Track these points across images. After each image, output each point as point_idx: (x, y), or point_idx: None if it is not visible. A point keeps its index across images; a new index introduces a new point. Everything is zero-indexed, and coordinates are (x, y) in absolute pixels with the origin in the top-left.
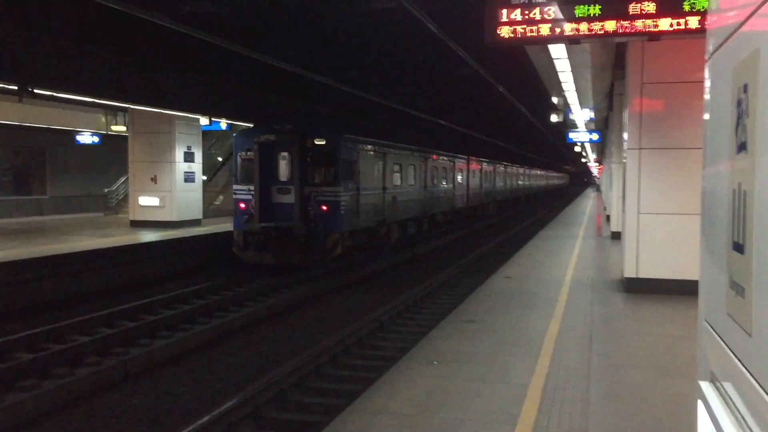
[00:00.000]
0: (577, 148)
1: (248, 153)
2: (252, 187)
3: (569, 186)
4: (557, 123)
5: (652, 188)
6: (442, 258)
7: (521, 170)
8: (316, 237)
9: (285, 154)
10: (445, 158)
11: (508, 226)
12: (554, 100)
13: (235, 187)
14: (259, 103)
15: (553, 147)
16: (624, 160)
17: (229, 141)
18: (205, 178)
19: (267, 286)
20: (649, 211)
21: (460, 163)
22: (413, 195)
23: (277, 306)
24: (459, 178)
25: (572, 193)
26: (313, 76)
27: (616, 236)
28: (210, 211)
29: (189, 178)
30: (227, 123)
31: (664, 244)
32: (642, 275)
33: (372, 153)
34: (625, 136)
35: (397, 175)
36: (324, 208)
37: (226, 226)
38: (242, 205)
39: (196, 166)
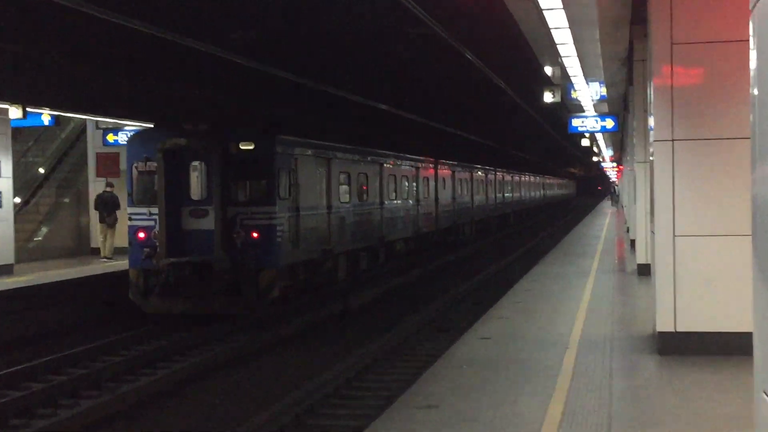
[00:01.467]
0: (585, 141)
1: (148, 164)
2: (154, 210)
3: (576, 197)
4: (553, 104)
5: (693, 198)
6: (393, 309)
7: (510, 177)
8: (245, 275)
9: (199, 164)
10: (404, 163)
11: (489, 259)
12: (548, 71)
13: (129, 210)
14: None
15: (551, 141)
16: (651, 158)
17: (55, 143)
18: (18, 200)
19: (175, 345)
20: (689, 232)
21: (425, 169)
22: (366, 215)
23: (188, 372)
24: (424, 190)
25: (581, 208)
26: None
27: (645, 271)
28: (28, 250)
29: None
30: (52, 116)
31: (713, 281)
32: (682, 328)
33: (313, 159)
34: (651, 122)
35: (345, 188)
36: (255, 235)
37: (59, 273)
38: (141, 235)
39: (3, 183)
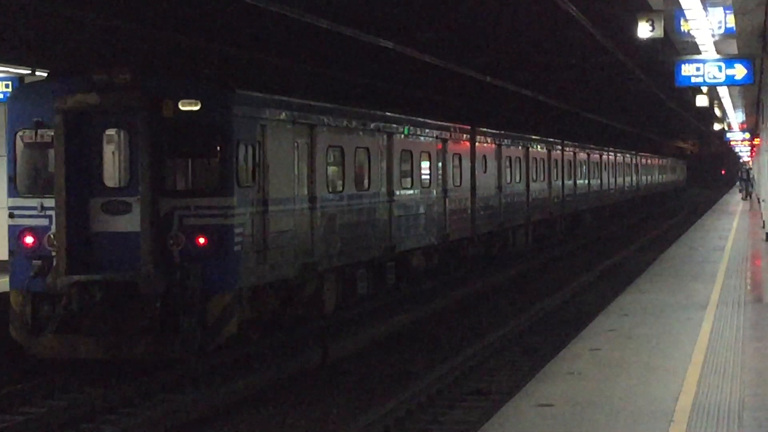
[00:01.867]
0: (702, 100)
1: (40, 132)
2: (48, 203)
3: (688, 185)
4: (652, 42)
5: None
6: (402, 356)
7: (585, 155)
8: (186, 301)
9: (118, 133)
10: (425, 131)
11: (551, 281)
12: None
13: (11, 203)
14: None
15: (648, 101)
16: None
17: None
18: None
19: (79, 410)
20: None
21: (456, 141)
22: (368, 212)
23: None
24: (454, 174)
25: (695, 202)
26: None
27: None
28: None
29: None
30: None
31: None
32: None
33: (290, 126)
34: None
35: (336, 170)
36: (202, 240)
37: None
38: (29, 240)
39: None
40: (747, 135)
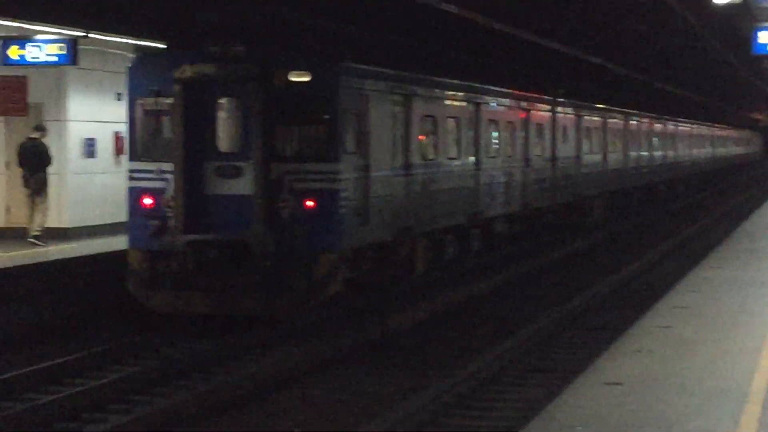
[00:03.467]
0: None
1: (158, 100)
2: (166, 167)
3: (764, 158)
4: (729, 7)
5: None
6: (468, 331)
7: (661, 126)
8: (294, 260)
9: (230, 101)
10: (509, 102)
11: (622, 253)
12: None
13: (129, 165)
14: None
15: (724, 70)
16: None
17: None
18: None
19: (192, 362)
20: None
21: (538, 111)
22: (457, 180)
23: (212, 400)
24: (537, 143)
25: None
26: None
27: None
28: None
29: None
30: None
31: None
32: None
33: (389, 96)
34: None
35: (430, 139)
36: (311, 203)
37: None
38: (147, 201)
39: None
40: None
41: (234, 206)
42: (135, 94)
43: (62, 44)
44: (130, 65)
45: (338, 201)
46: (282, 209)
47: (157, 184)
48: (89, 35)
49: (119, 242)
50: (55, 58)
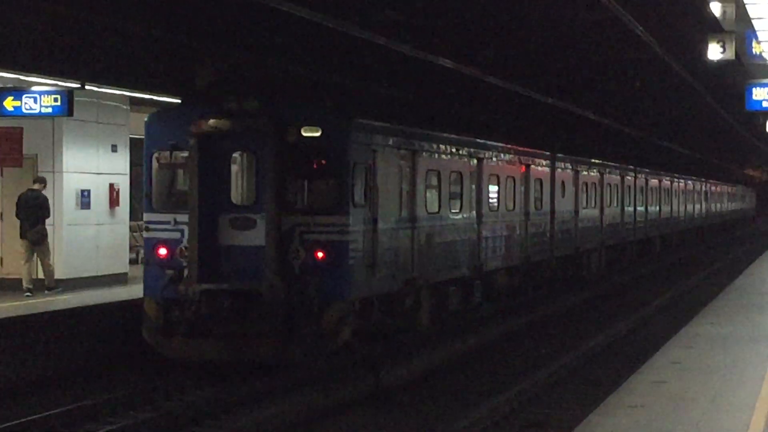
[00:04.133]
0: None
1: (174, 154)
2: (181, 218)
3: (757, 215)
4: (722, 64)
5: None
6: (462, 383)
7: (656, 181)
8: (305, 310)
9: (244, 155)
10: (510, 156)
11: (617, 307)
12: (715, 8)
13: (147, 217)
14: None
15: (717, 125)
16: None
17: None
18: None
19: (202, 407)
20: None
21: (538, 166)
22: (460, 233)
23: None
24: (536, 197)
25: (762, 231)
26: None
27: None
28: None
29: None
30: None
31: None
32: None
33: (395, 151)
34: None
35: (433, 193)
36: (321, 254)
37: None
38: (163, 252)
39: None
40: None
41: (247, 256)
42: (152, 147)
43: (58, 95)
44: (147, 120)
45: (347, 252)
46: (293, 260)
47: (173, 235)
48: (85, 87)
49: (112, 294)
50: (50, 110)
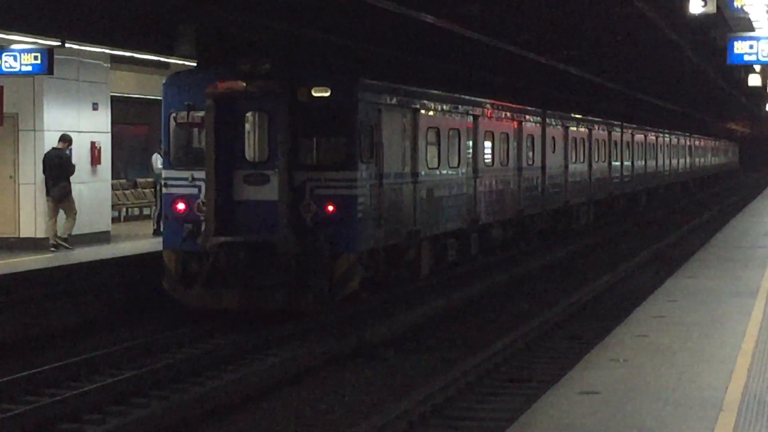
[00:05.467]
0: (755, 80)
1: (191, 114)
2: (198, 174)
3: (740, 169)
4: (704, 18)
5: None
6: (447, 338)
7: (642, 137)
8: (316, 261)
9: (258, 115)
10: (505, 114)
11: (602, 262)
12: None
13: (165, 173)
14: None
15: (699, 79)
16: None
17: None
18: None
19: (222, 353)
20: None
21: (530, 123)
22: (458, 187)
23: (239, 388)
24: (528, 153)
25: (746, 187)
26: None
27: None
28: None
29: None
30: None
31: None
32: None
33: (398, 109)
34: None
35: (433, 149)
36: (331, 208)
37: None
38: (181, 207)
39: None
40: None
41: (261, 211)
42: (170, 108)
43: (38, 54)
44: (164, 81)
45: (356, 206)
46: (305, 213)
47: (190, 191)
48: (65, 45)
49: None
50: (30, 68)
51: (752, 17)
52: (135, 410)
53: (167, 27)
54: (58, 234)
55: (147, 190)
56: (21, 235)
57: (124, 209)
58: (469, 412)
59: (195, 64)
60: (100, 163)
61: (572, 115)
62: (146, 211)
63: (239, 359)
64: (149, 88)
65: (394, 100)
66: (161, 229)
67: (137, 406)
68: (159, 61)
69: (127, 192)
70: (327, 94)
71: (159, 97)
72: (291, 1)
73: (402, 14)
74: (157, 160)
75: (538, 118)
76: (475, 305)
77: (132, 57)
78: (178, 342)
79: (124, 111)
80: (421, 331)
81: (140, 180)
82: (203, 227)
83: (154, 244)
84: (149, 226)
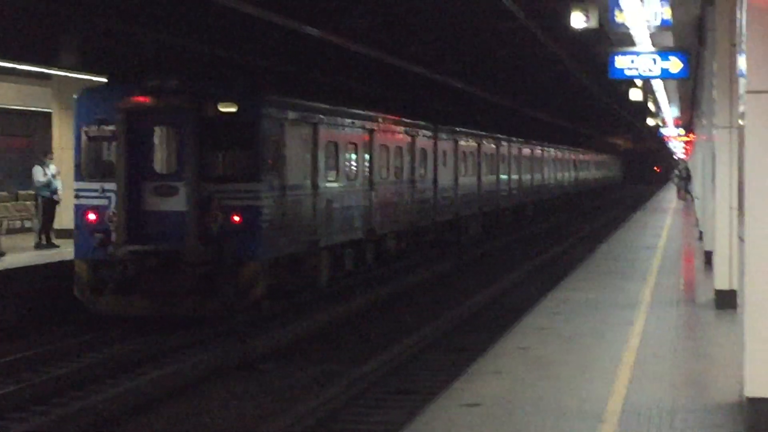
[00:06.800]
0: (636, 94)
1: (102, 127)
2: (108, 186)
3: (623, 182)
4: (586, 33)
5: None
6: (331, 350)
7: (529, 151)
8: (223, 269)
9: (167, 129)
10: (398, 128)
11: (487, 274)
12: None
13: (76, 185)
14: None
15: (581, 94)
16: (741, 121)
17: None
18: None
19: (130, 356)
20: None
21: (422, 138)
22: (355, 199)
23: (125, 401)
24: (421, 167)
25: (629, 199)
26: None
27: (728, 301)
28: None
29: None
30: None
31: None
32: None
33: (300, 124)
34: (742, 63)
35: (332, 161)
36: (237, 218)
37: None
38: (92, 217)
39: None
40: (681, 131)
41: (169, 221)
42: (81, 122)
43: None
44: (76, 96)
45: (260, 216)
46: (212, 223)
47: (101, 202)
48: None
49: None
50: None
51: (633, 33)
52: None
53: (49, 38)
54: None
55: (28, 203)
56: None
57: (5, 222)
58: (353, 425)
59: (77, 76)
60: None
61: (462, 129)
62: (27, 224)
63: (129, 370)
64: (31, 100)
65: (296, 115)
66: (43, 242)
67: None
68: (41, 72)
69: (8, 204)
70: (233, 110)
71: (41, 109)
72: (170, 13)
73: (289, 28)
74: (37, 172)
75: (430, 133)
76: (364, 316)
77: (13, 68)
78: (67, 353)
79: (4, 123)
80: (310, 342)
81: (21, 192)
82: (113, 237)
83: (35, 257)
84: (31, 239)
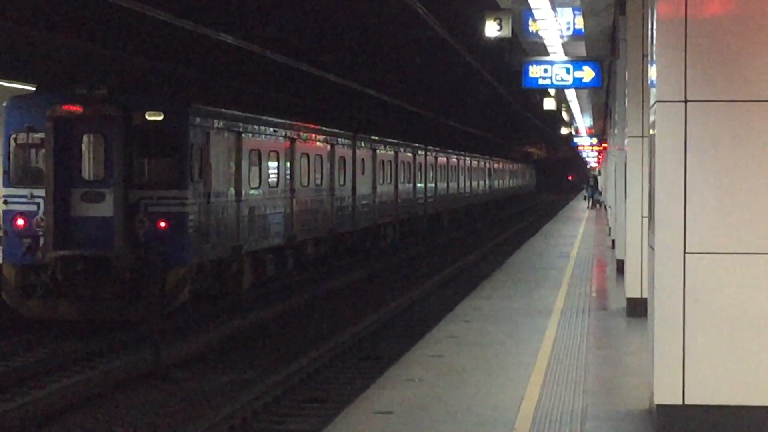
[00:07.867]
0: (549, 103)
1: (31, 135)
2: (37, 192)
3: (537, 191)
4: (500, 42)
5: (718, 193)
6: (245, 358)
7: (444, 159)
8: (149, 273)
9: (95, 137)
10: (318, 137)
11: (400, 282)
12: None
13: (5, 192)
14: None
15: (496, 103)
16: (651, 131)
17: None
18: None
19: (58, 359)
20: (709, 248)
21: (342, 146)
22: (276, 206)
23: (38, 408)
24: (340, 175)
25: (542, 208)
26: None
27: (639, 309)
28: None
29: None
30: None
31: (746, 326)
32: (694, 400)
33: (225, 132)
34: (653, 73)
35: (255, 170)
36: (163, 224)
37: None
38: (20, 222)
39: None
40: (594, 140)
41: (97, 226)
42: (10, 129)
43: None
44: (5, 104)
45: (186, 222)
46: (139, 229)
47: (30, 207)
48: None
49: None
50: None
51: (546, 42)
52: None
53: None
54: None
55: None
56: None
57: None
58: None
59: (5, 84)
60: None
61: (380, 138)
62: None
63: (44, 375)
64: None
65: (221, 124)
66: None
67: None
68: None
69: None
70: (160, 118)
71: None
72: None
73: (202, 35)
74: None
75: (349, 141)
76: (282, 322)
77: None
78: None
79: None
80: (227, 348)
81: None
82: (42, 242)
83: None
84: None
